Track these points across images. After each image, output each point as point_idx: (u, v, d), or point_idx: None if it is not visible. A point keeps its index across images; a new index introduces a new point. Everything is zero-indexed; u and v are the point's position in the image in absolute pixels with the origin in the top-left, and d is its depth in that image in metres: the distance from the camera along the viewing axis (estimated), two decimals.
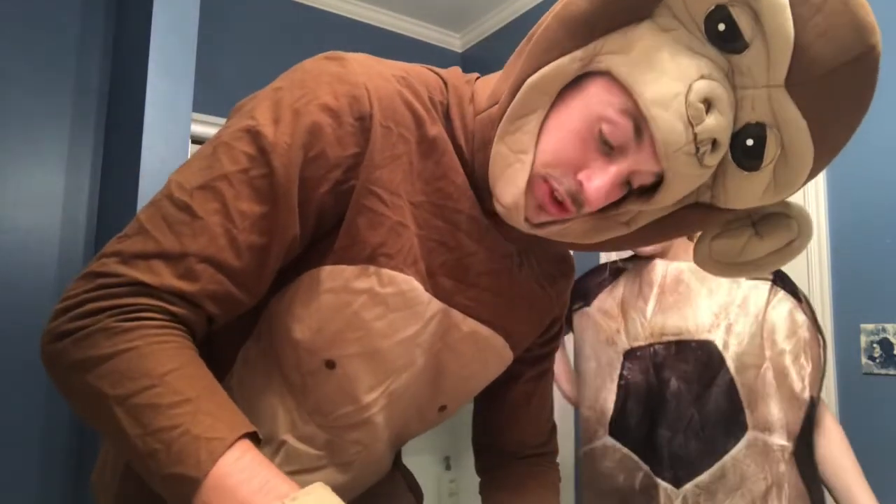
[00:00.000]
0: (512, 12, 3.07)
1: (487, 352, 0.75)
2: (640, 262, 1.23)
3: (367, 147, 0.61)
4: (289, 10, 2.90)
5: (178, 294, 0.56)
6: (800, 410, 1.07)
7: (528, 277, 0.76)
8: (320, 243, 0.63)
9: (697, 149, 0.56)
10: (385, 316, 0.65)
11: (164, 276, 0.56)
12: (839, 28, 0.52)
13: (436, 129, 0.65)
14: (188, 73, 1.77)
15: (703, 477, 1.04)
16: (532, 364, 0.88)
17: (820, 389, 1.11)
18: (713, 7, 0.53)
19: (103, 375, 0.52)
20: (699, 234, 0.70)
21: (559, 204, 0.61)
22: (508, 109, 0.61)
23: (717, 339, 1.09)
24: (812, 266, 1.80)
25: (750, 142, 0.56)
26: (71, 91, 2.28)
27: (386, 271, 0.63)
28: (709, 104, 0.55)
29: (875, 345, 1.66)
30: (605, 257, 2.44)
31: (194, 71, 1.78)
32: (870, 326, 1.67)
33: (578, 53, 0.58)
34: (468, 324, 0.72)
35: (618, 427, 1.15)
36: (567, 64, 0.58)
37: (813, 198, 1.82)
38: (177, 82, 1.75)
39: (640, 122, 0.57)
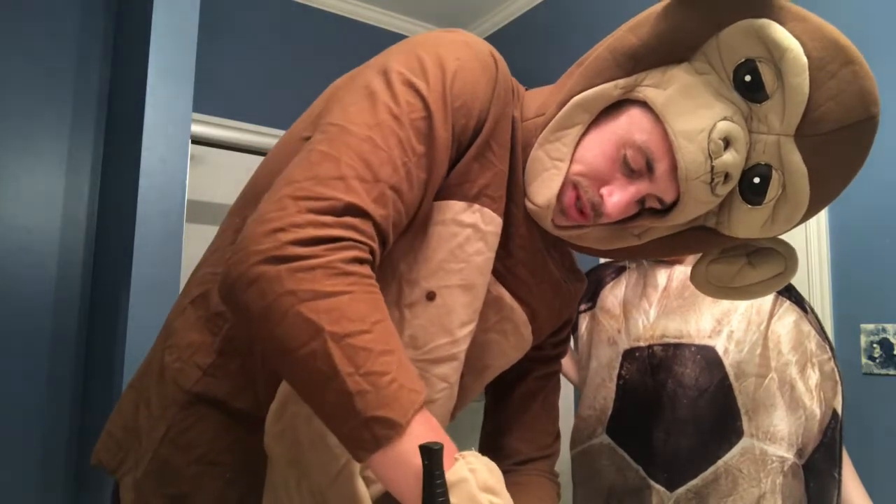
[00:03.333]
0: (512, 12, 3.07)
1: (508, 324, 0.78)
2: (647, 264, 1.22)
3: (492, 103, 0.68)
4: (289, 10, 2.90)
5: (375, 220, 0.58)
6: (810, 422, 1.06)
7: (554, 268, 0.80)
8: None
9: (712, 179, 0.64)
10: (483, 253, 0.69)
11: (363, 196, 0.57)
12: (848, 95, 0.61)
13: (517, 107, 0.74)
14: (188, 73, 1.77)
15: (696, 481, 1.04)
16: (542, 363, 0.91)
17: (843, 401, 1.08)
18: (743, 60, 0.62)
19: (322, 310, 0.53)
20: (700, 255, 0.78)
21: (580, 211, 0.70)
22: (553, 121, 0.69)
23: (718, 345, 1.08)
24: (812, 266, 1.80)
25: (757, 179, 0.65)
26: (71, 91, 2.28)
27: (487, 210, 0.69)
28: (727, 142, 0.63)
29: (875, 345, 1.66)
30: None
31: (194, 71, 1.78)
32: (870, 326, 1.67)
33: (621, 82, 0.67)
34: (497, 289, 0.75)
35: (614, 426, 1.15)
36: (610, 89, 0.67)
37: None
38: (177, 82, 1.75)
39: (652, 161, 0.65)
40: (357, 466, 0.67)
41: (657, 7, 0.68)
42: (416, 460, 0.52)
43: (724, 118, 0.63)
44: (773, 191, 0.65)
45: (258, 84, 2.68)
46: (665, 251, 0.76)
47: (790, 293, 1.13)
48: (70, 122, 2.27)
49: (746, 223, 0.68)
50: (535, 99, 0.76)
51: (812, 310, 1.14)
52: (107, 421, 0.79)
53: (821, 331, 1.11)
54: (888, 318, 1.64)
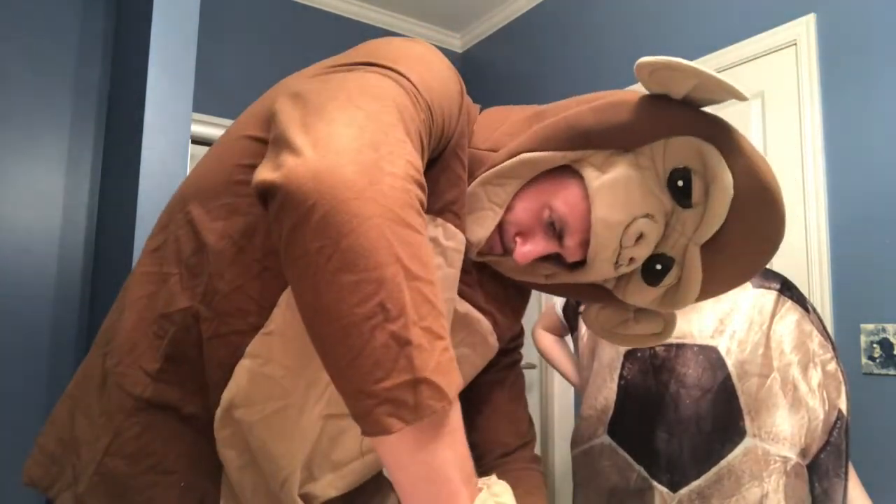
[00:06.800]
0: (512, 12, 3.07)
1: (476, 336, 0.79)
2: None
3: (459, 117, 0.69)
4: (289, 10, 2.90)
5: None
6: (813, 422, 1.05)
7: (496, 275, 0.82)
8: None
9: (617, 261, 0.70)
10: (442, 268, 0.69)
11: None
12: (757, 233, 0.68)
13: (470, 130, 0.76)
14: (188, 73, 1.77)
15: (699, 482, 1.04)
16: (502, 354, 0.91)
17: (848, 401, 1.08)
18: (682, 166, 0.68)
19: (401, 240, 0.46)
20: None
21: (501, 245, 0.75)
22: (500, 166, 0.72)
23: (721, 345, 1.08)
24: (812, 266, 1.80)
25: (658, 267, 0.72)
26: (71, 91, 2.28)
27: (450, 226, 0.69)
28: (640, 237, 0.69)
29: (875, 345, 1.66)
30: None
31: (194, 71, 1.78)
32: (870, 326, 1.67)
33: (570, 155, 0.71)
34: (463, 305, 0.76)
35: (616, 427, 1.15)
36: (557, 158, 0.71)
37: (813, 197, 1.82)
38: (177, 82, 1.75)
39: (564, 232, 0.71)
40: (296, 486, 0.64)
41: (625, 97, 0.71)
42: (444, 459, 0.45)
43: (646, 215, 0.68)
44: (669, 280, 0.72)
45: (258, 84, 2.67)
46: (568, 294, 0.83)
47: (792, 292, 1.12)
48: (70, 122, 2.27)
49: (639, 297, 0.74)
50: (488, 127, 0.78)
51: (814, 309, 1.14)
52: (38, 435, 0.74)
53: (823, 330, 1.11)
54: (888, 318, 1.64)
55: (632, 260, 0.71)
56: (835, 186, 1.79)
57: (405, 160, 0.50)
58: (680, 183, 0.67)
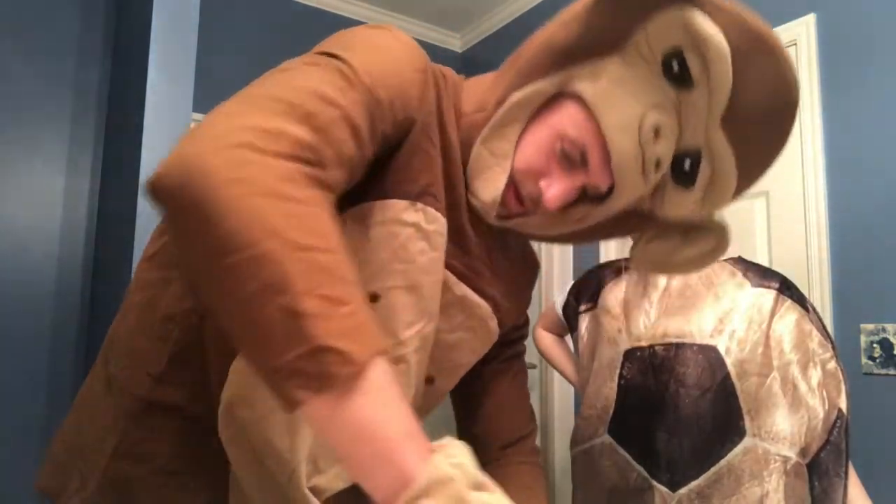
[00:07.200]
0: (512, 12, 3.07)
1: (475, 320, 0.78)
2: None
3: (425, 96, 0.67)
4: (289, 10, 2.90)
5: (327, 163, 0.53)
6: (813, 421, 1.06)
7: (506, 258, 0.81)
8: (367, 181, 0.65)
9: (644, 167, 0.66)
10: (427, 252, 0.68)
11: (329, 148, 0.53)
12: (769, 83, 0.64)
13: (458, 100, 0.74)
14: (188, 73, 1.77)
15: (699, 481, 1.04)
16: (506, 345, 0.91)
17: (848, 400, 1.08)
18: (670, 49, 0.63)
19: (281, 213, 0.46)
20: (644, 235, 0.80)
21: (521, 203, 0.71)
22: (493, 118, 0.70)
23: (720, 344, 1.08)
24: (812, 266, 1.80)
25: (687, 165, 0.68)
26: (71, 91, 2.28)
27: (430, 209, 0.68)
28: (657, 132, 0.65)
29: (875, 345, 1.66)
30: (605, 257, 2.44)
31: (194, 71, 1.78)
32: (870, 326, 1.67)
33: (556, 78, 0.68)
34: (460, 288, 0.74)
35: (616, 426, 1.15)
36: (546, 86, 0.68)
37: (813, 197, 1.82)
38: (177, 82, 1.75)
39: (586, 153, 0.68)
40: (303, 479, 0.64)
41: (587, 1, 0.68)
42: (368, 418, 0.44)
43: (654, 108, 0.65)
44: (703, 175, 0.68)
45: None
46: (605, 234, 0.79)
47: (791, 292, 1.13)
48: (70, 122, 2.27)
49: (679, 205, 0.70)
50: (475, 92, 0.75)
51: (814, 308, 1.14)
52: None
53: (822, 329, 1.11)
54: (888, 318, 1.64)
55: (658, 164, 0.67)
56: (835, 187, 1.79)
57: (288, 139, 0.50)
58: (675, 67, 0.63)
